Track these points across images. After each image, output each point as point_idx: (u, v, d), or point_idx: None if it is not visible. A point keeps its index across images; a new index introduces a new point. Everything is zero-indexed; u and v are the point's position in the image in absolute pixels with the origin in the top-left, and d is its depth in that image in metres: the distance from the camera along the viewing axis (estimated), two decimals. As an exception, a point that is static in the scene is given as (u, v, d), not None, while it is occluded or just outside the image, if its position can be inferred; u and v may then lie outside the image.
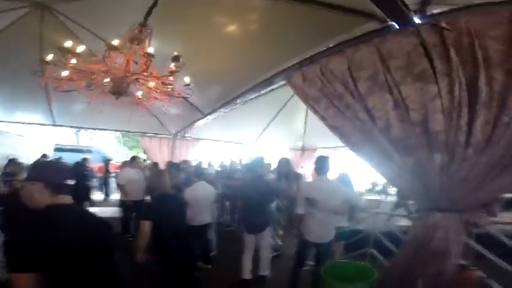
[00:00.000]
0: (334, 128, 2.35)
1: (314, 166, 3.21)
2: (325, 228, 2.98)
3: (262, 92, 5.24)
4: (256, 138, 9.00)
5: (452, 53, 1.69)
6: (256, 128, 8.38)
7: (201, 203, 3.58)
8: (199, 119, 6.03)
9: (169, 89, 3.26)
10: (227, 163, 7.27)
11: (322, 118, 2.46)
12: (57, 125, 6.69)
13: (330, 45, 2.70)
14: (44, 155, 7.75)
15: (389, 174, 2.06)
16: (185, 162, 5.62)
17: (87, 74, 2.83)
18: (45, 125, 6.72)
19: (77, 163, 7.12)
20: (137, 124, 7.08)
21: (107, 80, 2.98)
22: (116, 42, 2.57)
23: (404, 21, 1.97)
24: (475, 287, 2.11)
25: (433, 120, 1.72)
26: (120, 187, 5.47)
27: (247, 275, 3.51)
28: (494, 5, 1.71)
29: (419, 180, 1.86)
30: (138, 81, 3.09)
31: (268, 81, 3.81)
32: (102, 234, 1.45)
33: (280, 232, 4.71)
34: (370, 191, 7.58)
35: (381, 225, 3.21)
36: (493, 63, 1.60)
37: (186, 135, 7.84)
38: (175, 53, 2.81)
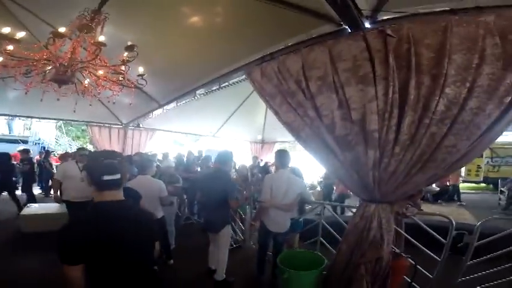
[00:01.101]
0: (286, 124, 2.60)
1: (276, 159, 3.43)
2: (283, 218, 3.24)
3: (224, 85, 5.36)
4: (217, 131, 9.10)
5: (391, 58, 1.97)
6: (217, 120, 8.52)
7: (145, 199, 3.13)
8: (154, 109, 5.92)
9: (120, 79, 3.21)
10: (184, 154, 7.17)
11: (276, 113, 2.70)
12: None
13: (289, 44, 2.91)
14: None
15: (333, 168, 2.38)
16: (138, 154, 5.42)
17: (26, 61, 2.69)
18: None
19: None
20: (83, 113, 6.69)
21: (49, 67, 2.86)
22: (62, 29, 2.52)
23: (356, 25, 2.25)
24: (406, 272, 2.48)
25: (370, 119, 2.02)
26: (54, 182, 4.78)
27: (213, 265, 3.57)
28: (435, 14, 2.02)
29: (357, 174, 2.17)
30: (86, 70, 3.02)
31: (229, 75, 3.92)
32: (144, 230, 1.45)
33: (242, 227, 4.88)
34: (321, 183, 8.17)
35: (328, 214, 3.55)
36: (423, 69, 1.90)
37: (140, 125, 7.63)
38: (129, 43, 2.79)
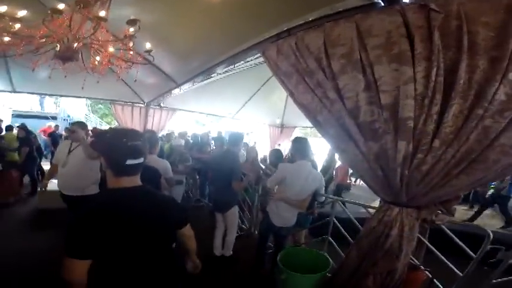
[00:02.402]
0: (302, 106, 2.16)
1: (293, 148, 2.89)
2: (290, 213, 2.81)
3: (244, 66, 5.00)
4: (236, 112, 8.76)
5: (436, 36, 1.49)
6: (236, 102, 8.22)
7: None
8: (173, 89, 5.64)
9: (129, 54, 2.93)
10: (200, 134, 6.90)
11: (291, 94, 2.28)
12: (18, 92, 6.20)
13: (309, 19, 2.45)
14: None
15: (353, 160, 1.88)
16: (149, 131, 5.10)
17: (28, 39, 2.46)
18: (3, 91, 6.15)
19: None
20: (109, 91, 6.67)
21: (55, 45, 2.63)
22: (61, 6, 2.34)
23: (391, -2, 1.74)
24: (421, 286, 2.02)
25: (404, 105, 1.53)
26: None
27: (217, 251, 3.42)
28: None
29: (382, 170, 1.69)
30: (92, 47, 2.76)
31: (245, 53, 3.52)
32: (166, 218, 1.26)
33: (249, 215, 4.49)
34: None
35: (340, 209, 3.03)
36: (478, 50, 1.42)
37: (162, 104, 7.44)
38: (132, 17, 2.51)
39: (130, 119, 7.46)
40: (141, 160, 1.18)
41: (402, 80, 1.56)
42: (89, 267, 1.07)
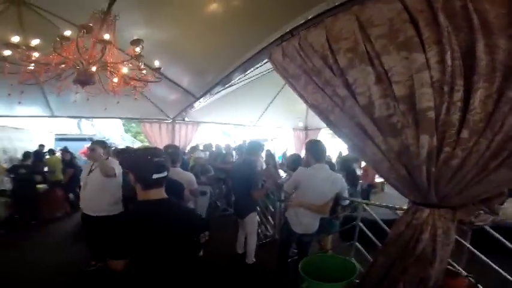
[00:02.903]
0: (313, 107, 2.01)
1: (308, 152, 2.72)
2: (312, 219, 2.61)
3: (259, 73, 4.95)
4: (257, 120, 8.68)
5: (442, 18, 1.29)
6: (257, 109, 8.17)
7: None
8: (192, 103, 5.72)
9: (142, 74, 2.99)
10: (222, 146, 6.90)
11: (301, 96, 2.15)
12: (56, 116, 6.57)
13: (309, 17, 2.32)
14: (41, 146, 7.60)
15: (373, 159, 1.66)
16: (172, 146, 5.16)
17: (46, 66, 2.58)
18: (43, 116, 6.60)
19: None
20: (136, 110, 6.95)
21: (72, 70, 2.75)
22: (68, 32, 2.42)
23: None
24: None
25: (421, 95, 1.32)
26: None
27: (239, 249, 3.51)
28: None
29: (405, 168, 1.47)
30: (108, 70, 2.84)
31: (255, 59, 3.46)
32: (188, 229, 1.38)
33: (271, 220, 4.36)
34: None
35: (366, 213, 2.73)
36: (493, 28, 1.21)
37: (186, 119, 7.58)
38: (135, 37, 2.56)
39: (159, 135, 7.59)
40: (165, 174, 1.33)
41: (414, 67, 1.36)
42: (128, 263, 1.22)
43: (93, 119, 14.67)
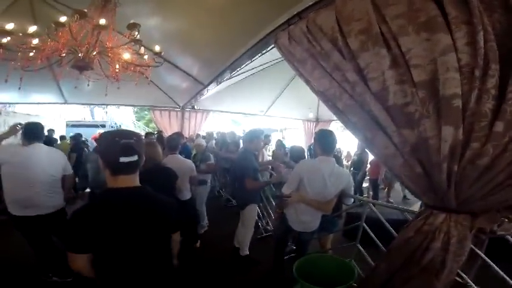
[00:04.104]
0: (320, 93, 1.80)
1: (316, 142, 2.44)
2: (312, 217, 2.36)
3: (271, 61, 4.72)
4: (267, 109, 8.46)
5: None
6: (267, 98, 7.99)
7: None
8: (201, 90, 5.56)
9: (143, 60, 2.85)
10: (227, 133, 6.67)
11: (307, 81, 1.94)
12: (69, 103, 6.57)
13: (318, -1, 2.08)
14: (50, 130, 7.62)
15: (384, 154, 1.42)
16: (175, 133, 5.03)
17: (43, 53, 2.44)
18: (56, 103, 6.61)
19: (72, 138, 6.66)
20: (147, 98, 6.90)
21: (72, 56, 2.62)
22: (63, 18, 2.29)
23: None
24: None
25: (446, 80, 1.08)
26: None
27: (237, 242, 3.28)
28: None
29: (422, 166, 1.24)
30: (108, 55, 2.70)
31: (261, 45, 3.25)
32: (159, 222, 1.22)
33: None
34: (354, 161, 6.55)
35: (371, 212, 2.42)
36: None
37: (195, 107, 7.44)
38: (132, 21, 2.42)
39: (168, 123, 7.50)
40: (134, 158, 1.15)
41: (438, 49, 1.13)
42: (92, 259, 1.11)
43: (107, 107, 14.75)
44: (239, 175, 2.97)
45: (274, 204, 3.78)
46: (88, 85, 3.04)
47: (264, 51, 3.17)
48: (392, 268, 1.42)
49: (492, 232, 1.21)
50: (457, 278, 1.41)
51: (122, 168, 1.14)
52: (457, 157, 1.10)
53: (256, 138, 3.15)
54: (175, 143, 3.21)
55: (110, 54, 2.68)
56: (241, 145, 5.65)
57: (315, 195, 2.26)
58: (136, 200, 1.16)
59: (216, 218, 4.25)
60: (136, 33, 2.47)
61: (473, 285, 1.47)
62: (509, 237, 1.51)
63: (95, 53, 2.61)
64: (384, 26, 1.36)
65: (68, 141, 6.93)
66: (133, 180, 1.20)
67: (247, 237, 3.15)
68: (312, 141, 9.62)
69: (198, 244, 3.53)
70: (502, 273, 1.56)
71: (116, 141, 1.14)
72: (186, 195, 3.11)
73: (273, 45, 2.79)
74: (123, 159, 1.12)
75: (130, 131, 1.36)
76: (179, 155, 3.20)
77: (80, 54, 2.51)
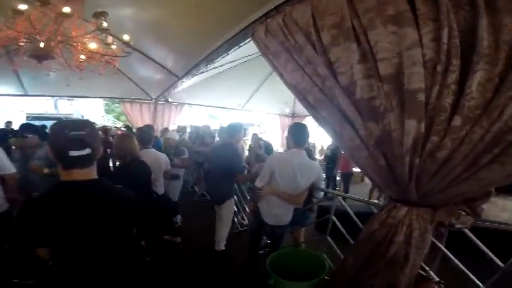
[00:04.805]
0: (292, 86, 1.81)
1: (289, 134, 2.43)
2: (284, 210, 2.38)
3: (248, 56, 4.67)
4: (245, 103, 8.42)
5: None
6: (245, 92, 7.94)
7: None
8: (174, 83, 5.40)
9: (110, 49, 2.69)
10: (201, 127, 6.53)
11: (281, 75, 1.94)
12: (30, 95, 6.13)
13: (296, -8, 2.08)
14: (8, 122, 7.06)
15: (350, 147, 1.45)
16: (146, 126, 4.85)
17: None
18: (15, 95, 6.16)
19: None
20: (117, 90, 6.58)
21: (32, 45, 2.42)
22: (23, 6, 2.18)
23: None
24: None
25: (410, 74, 1.11)
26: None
27: (217, 246, 3.17)
28: None
29: (385, 158, 1.27)
30: (71, 45, 2.52)
31: (237, 38, 3.21)
32: (120, 216, 1.15)
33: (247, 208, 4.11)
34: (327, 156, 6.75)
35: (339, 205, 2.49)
36: (499, 7, 1.03)
37: (169, 99, 7.21)
38: (99, 10, 2.28)
39: (140, 116, 7.24)
40: (86, 151, 1.05)
41: (405, 44, 1.15)
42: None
43: (73, 99, 13.84)
44: (222, 170, 2.92)
45: (248, 198, 3.77)
46: (48, 75, 2.82)
47: (241, 44, 3.11)
48: (359, 262, 1.46)
49: (451, 225, 1.27)
50: (421, 271, 1.47)
51: (73, 163, 1.05)
52: (418, 150, 1.13)
53: (237, 132, 3.13)
54: (149, 137, 3.10)
55: (74, 44, 2.50)
56: (217, 138, 5.58)
57: (285, 187, 2.27)
58: (91, 192, 1.08)
59: (190, 213, 4.18)
60: (103, 21, 2.31)
61: (436, 278, 1.54)
62: (466, 230, 1.57)
63: (57, 42, 2.42)
64: (355, 21, 1.38)
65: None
66: (90, 172, 1.11)
67: (225, 233, 3.14)
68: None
69: (179, 239, 3.45)
70: (461, 265, 1.64)
71: (65, 133, 1.03)
72: (161, 190, 3.05)
73: (250, 39, 2.76)
74: (72, 153, 1.03)
75: (82, 120, 1.27)
76: (153, 149, 3.10)
77: (41, 44, 2.31)
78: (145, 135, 3.08)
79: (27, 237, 1.02)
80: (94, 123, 1.46)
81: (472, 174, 1.09)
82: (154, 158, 2.92)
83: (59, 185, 1.08)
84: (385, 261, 1.33)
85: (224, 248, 3.14)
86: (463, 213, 1.25)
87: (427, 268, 1.55)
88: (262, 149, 3.74)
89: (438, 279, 1.50)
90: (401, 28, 1.18)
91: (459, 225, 1.27)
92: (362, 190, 6.22)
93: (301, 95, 1.73)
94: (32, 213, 1.01)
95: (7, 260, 2.36)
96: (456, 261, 1.66)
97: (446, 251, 1.60)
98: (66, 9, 2.15)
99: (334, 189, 6.07)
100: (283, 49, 1.88)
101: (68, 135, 1.03)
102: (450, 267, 1.65)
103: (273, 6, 2.27)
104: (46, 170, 2.51)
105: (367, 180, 6.50)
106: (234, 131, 3.13)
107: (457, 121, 1.04)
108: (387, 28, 1.22)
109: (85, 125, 1.10)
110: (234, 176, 3.05)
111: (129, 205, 1.19)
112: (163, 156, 3.08)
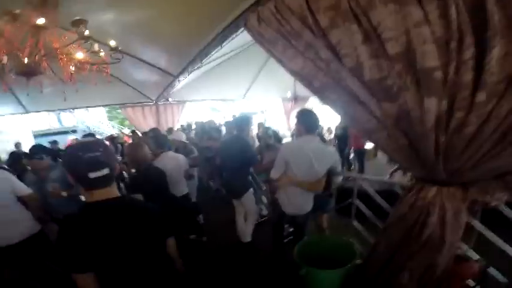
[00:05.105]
0: (294, 72, 1.75)
1: (299, 122, 2.35)
2: (303, 198, 2.34)
3: (242, 45, 4.55)
4: (246, 93, 8.30)
5: None
6: (244, 82, 7.84)
7: (174, 175, 2.90)
8: (172, 82, 5.33)
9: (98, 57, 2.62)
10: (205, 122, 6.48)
11: (280, 62, 1.88)
12: (30, 112, 6.16)
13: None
14: (18, 144, 7.11)
15: (367, 129, 1.40)
16: (153, 130, 4.80)
17: None
18: (16, 114, 6.24)
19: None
20: (117, 96, 6.56)
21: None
22: None
23: None
24: (473, 279, 1.51)
25: (422, 52, 1.04)
26: None
27: (243, 237, 3.21)
28: None
29: (407, 137, 1.22)
30: (56, 57, 2.47)
31: (230, 29, 3.09)
32: (147, 229, 1.16)
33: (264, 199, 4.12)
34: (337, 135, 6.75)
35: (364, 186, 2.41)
36: None
37: (170, 99, 7.16)
38: (77, 17, 2.20)
39: (143, 119, 7.23)
40: (105, 171, 1.07)
41: (411, 22, 1.08)
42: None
43: (74, 110, 13.87)
44: (237, 163, 2.93)
45: (264, 189, 3.77)
46: (41, 92, 2.77)
47: (234, 36, 3.00)
48: (392, 245, 1.43)
49: (485, 203, 1.21)
50: (459, 252, 1.43)
51: (94, 184, 1.07)
52: (442, 127, 1.08)
53: (246, 125, 3.13)
54: (164, 140, 3.14)
55: (60, 56, 2.43)
56: (224, 131, 5.52)
57: (303, 176, 2.23)
58: (118, 211, 1.11)
59: (209, 210, 4.20)
60: (84, 29, 2.23)
61: (475, 256, 1.50)
62: (502, 206, 1.50)
63: (40, 56, 2.35)
64: (352, 1, 1.29)
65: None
66: (111, 192, 1.13)
67: (251, 224, 3.18)
68: (292, 120, 9.61)
69: (205, 238, 3.50)
70: (500, 241, 1.58)
71: (80, 156, 1.05)
72: (184, 190, 3.11)
73: (243, 29, 2.66)
74: (92, 175, 1.05)
75: (94, 141, 1.29)
76: (170, 152, 3.11)
77: (25, 59, 2.25)
78: (161, 139, 3.12)
79: (70, 262, 1.03)
80: (102, 141, 1.47)
81: (503, 150, 1.02)
82: (175, 159, 2.98)
83: (87, 207, 1.11)
84: (420, 243, 1.31)
85: (250, 239, 3.18)
86: (496, 189, 1.18)
87: (466, 247, 1.50)
88: (272, 139, 3.69)
89: (478, 258, 1.47)
90: (403, 6, 1.10)
91: (495, 202, 1.21)
92: (377, 165, 6.14)
93: (306, 80, 1.67)
94: (70, 238, 1.03)
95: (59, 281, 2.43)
96: (495, 237, 1.59)
97: (482, 227, 1.55)
98: (41, 21, 2.06)
99: (349, 168, 6.00)
100: (279, 36, 1.80)
101: (84, 157, 1.05)
102: (485, 241, 1.60)
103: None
104: (64, 193, 2.51)
105: (380, 154, 6.43)
106: (244, 124, 3.11)
107: (482, 96, 0.97)
108: (388, 7, 1.14)
109: (98, 144, 1.12)
110: (248, 167, 3.05)
111: (155, 219, 1.21)
112: (181, 157, 3.13)
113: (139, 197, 2.06)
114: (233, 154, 2.95)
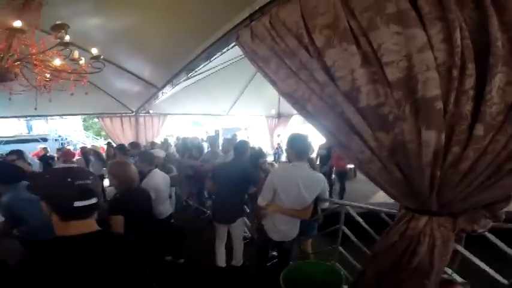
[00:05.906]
0: (287, 95, 1.69)
1: (289, 147, 2.27)
2: (290, 225, 2.30)
3: (229, 59, 4.57)
4: (230, 108, 8.30)
5: None
6: (229, 97, 7.87)
7: (163, 193, 2.87)
8: (155, 94, 5.22)
9: (78, 65, 2.52)
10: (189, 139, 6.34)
11: (273, 82, 1.82)
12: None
13: (281, -9, 1.98)
14: None
15: (360, 160, 1.36)
16: (133, 145, 4.65)
17: None
18: None
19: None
20: (95, 105, 6.30)
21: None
22: None
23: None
24: None
25: (425, 80, 1.04)
26: None
27: (221, 262, 3.10)
28: None
29: (402, 171, 1.20)
30: (31, 63, 2.34)
31: (219, 44, 3.08)
32: (128, 268, 1.05)
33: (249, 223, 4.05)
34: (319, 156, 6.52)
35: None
36: (506, 3, 0.96)
37: (150, 111, 6.99)
38: (58, 22, 2.16)
39: (121, 131, 7.02)
40: (92, 201, 1.02)
41: (414, 46, 1.07)
42: None
43: (48, 118, 13.19)
44: (235, 187, 2.90)
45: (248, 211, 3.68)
46: (10, 99, 2.59)
47: (225, 50, 2.99)
48: (380, 272, 1.40)
49: (473, 231, 1.22)
50: (443, 275, 1.43)
51: (75, 214, 1.00)
52: (439, 162, 1.07)
53: (246, 150, 3.16)
54: (150, 156, 3.02)
55: (35, 62, 2.29)
56: (206, 149, 5.41)
57: (290, 203, 2.19)
58: (96, 249, 0.99)
59: (188, 231, 3.99)
60: (64, 35, 2.12)
61: (459, 279, 1.50)
62: (487, 233, 1.49)
63: (13, 60, 2.21)
64: (353, 21, 1.28)
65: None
66: (89, 224, 1.04)
67: (242, 248, 3.16)
68: (275, 138, 9.67)
69: (182, 260, 3.32)
70: (482, 265, 1.60)
71: (69, 183, 0.98)
72: (169, 209, 3.06)
73: (234, 43, 2.64)
74: (78, 204, 0.98)
75: (83, 169, 1.23)
76: (157, 169, 2.98)
77: None
78: (147, 156, 3.01)
79: None
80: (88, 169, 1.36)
81: (494, 182, 1.03)
82: (164, 179, 2.91)
83: (58, 242, 0.99)
84: (410, 271, 1.29)
85: (242, 262, 3.15)
86: (483, 218, 1.20)
87: (449, 270, 1.50)
88: (265, 164, 3.67)
89: (462, 280, 1.47)
90: (406, 28, 1.10)
91: (481, 230, 1.22)
92: (357, 186, 6.24)
93: (298, 104, 1.63)
94: (33, 279, 0.89)
95: None
96: (477, 261, 1.61)
97: (466, 252, 1.57)
98: (18, 24, 1.96)
99: (330, 187, 6.02)
100: (272, 54, 1.77)
101: (74, 184, 0.99)
102: (469, 261, 1.62)
103: (257, 7, 2.17)
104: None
105: (359, 175, 6.55)
106: (244, 150, 3.11)
107: (479, 130, 0.98)
108: (390, 28, 1.14)
109: (88, 172, 1.09)
110: (247, 190, 3.02)
111: (136, 254, 1.11)
112: (167, 176, 3.07)
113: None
114: (231, 175, 2.88)
